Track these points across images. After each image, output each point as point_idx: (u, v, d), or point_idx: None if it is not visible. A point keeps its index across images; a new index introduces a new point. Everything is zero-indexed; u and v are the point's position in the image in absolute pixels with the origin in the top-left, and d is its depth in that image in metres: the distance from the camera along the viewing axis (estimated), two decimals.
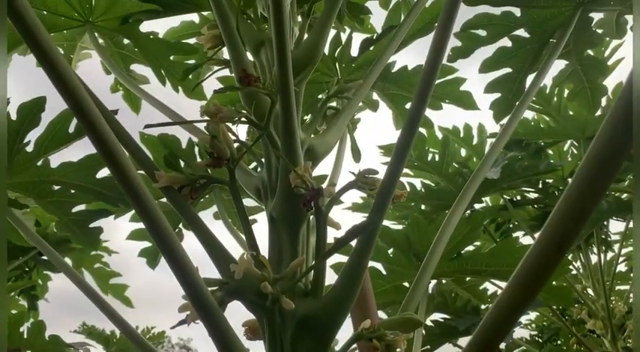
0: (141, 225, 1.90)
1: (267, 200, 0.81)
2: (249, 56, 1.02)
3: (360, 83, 0.94)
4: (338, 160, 1.08)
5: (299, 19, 1.01)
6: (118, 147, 0.69)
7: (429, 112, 1.87)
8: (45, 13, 1.46)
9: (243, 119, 0.77)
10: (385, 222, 2.86)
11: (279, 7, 0.71)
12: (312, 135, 0.89)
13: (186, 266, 0.66)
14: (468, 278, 1.87)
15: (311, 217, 0.78)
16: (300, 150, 0.77)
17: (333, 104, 1.08)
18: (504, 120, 1.61)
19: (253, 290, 0.68)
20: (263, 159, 0.85)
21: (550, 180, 3.02)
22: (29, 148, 1.35)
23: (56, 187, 1.45)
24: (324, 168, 1.96)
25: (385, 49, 1.06)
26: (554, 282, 1.66)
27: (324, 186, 0.71)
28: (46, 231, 2.52)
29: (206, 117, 0.76)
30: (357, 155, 0.95)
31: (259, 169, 0.88)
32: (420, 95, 0.72)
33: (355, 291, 0.72)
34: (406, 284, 1.67)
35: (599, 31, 1.55)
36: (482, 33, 1.47)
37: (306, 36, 0.96)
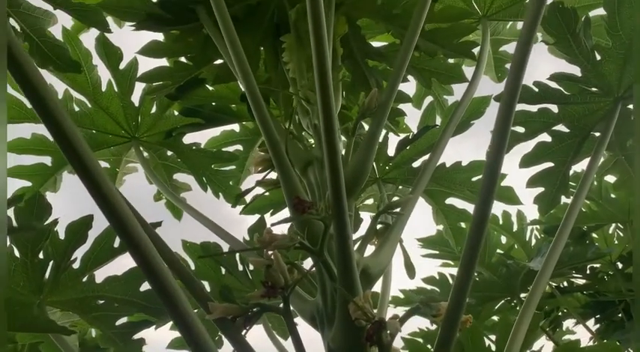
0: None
1: (324, 328, 0.78)
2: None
3: (410, 198, 0.93)
4: (387, 274, 1.05)
5: (342, 137, 1.03)
6: (160, 264, 0.67)
7: (467, 205, 1.85)
8: (94, 131, 1.53)
9: (297, 245, 0.76)
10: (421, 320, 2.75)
11: (331, 133, 0.71)
12: (365, 254, 0.87)
13: None
14: None
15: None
16: (358, 278, 0.75)
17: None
18: None
19: None
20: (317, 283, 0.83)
21: (597, 265, 2.90)
22: (75, 265, 1.36)
23: (100, 301, 1.44)
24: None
25: (432, 156, 1.07)
26: None
27: (385, 317, 0.68)
28: (84, 337, 2.49)
29: (259, 246, 0.75)
30: (411, 272, 0.92)
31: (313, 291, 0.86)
32: (482, 200, 0.71)
33: None
34: None
35: None
36: (520, 129, 1.47)
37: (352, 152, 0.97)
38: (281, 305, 0.78)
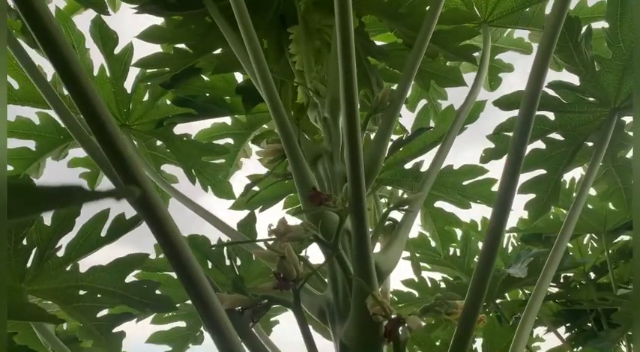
0: (160, 328, 1.82)
1: (335, 323, 0.77)
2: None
3: (420, 195, 0.93)
4: None
5: None
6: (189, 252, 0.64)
7: (454, 210, 1.86)
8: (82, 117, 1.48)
9: (311, 238, 0.74)
10: None
11: (353, 126, 0.70)
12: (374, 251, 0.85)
13: None
14: None
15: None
16: (375, 272, 0.74)
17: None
18: None
19: None
20: (327, 278, 0.81)
21: (571, 274, 2.96)
22: (60, 253, 1.31)
23: (82, 292, 1.39)
24: None
25: (437, 157, 1.06)
26: None
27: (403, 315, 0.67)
28: (56, 329, 2.41)
29: (274, 237, 0.73)
30: (418, 270, 0.91)
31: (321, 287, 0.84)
32: (500, 207, 0.70)
33: None
34: None
35: (630, 133, 1.57)
36: None
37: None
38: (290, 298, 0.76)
